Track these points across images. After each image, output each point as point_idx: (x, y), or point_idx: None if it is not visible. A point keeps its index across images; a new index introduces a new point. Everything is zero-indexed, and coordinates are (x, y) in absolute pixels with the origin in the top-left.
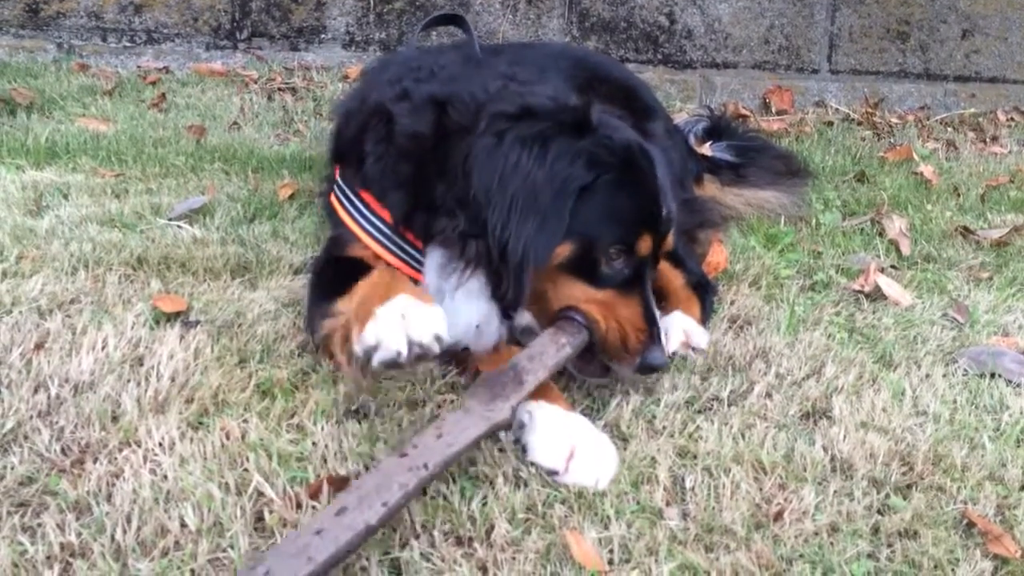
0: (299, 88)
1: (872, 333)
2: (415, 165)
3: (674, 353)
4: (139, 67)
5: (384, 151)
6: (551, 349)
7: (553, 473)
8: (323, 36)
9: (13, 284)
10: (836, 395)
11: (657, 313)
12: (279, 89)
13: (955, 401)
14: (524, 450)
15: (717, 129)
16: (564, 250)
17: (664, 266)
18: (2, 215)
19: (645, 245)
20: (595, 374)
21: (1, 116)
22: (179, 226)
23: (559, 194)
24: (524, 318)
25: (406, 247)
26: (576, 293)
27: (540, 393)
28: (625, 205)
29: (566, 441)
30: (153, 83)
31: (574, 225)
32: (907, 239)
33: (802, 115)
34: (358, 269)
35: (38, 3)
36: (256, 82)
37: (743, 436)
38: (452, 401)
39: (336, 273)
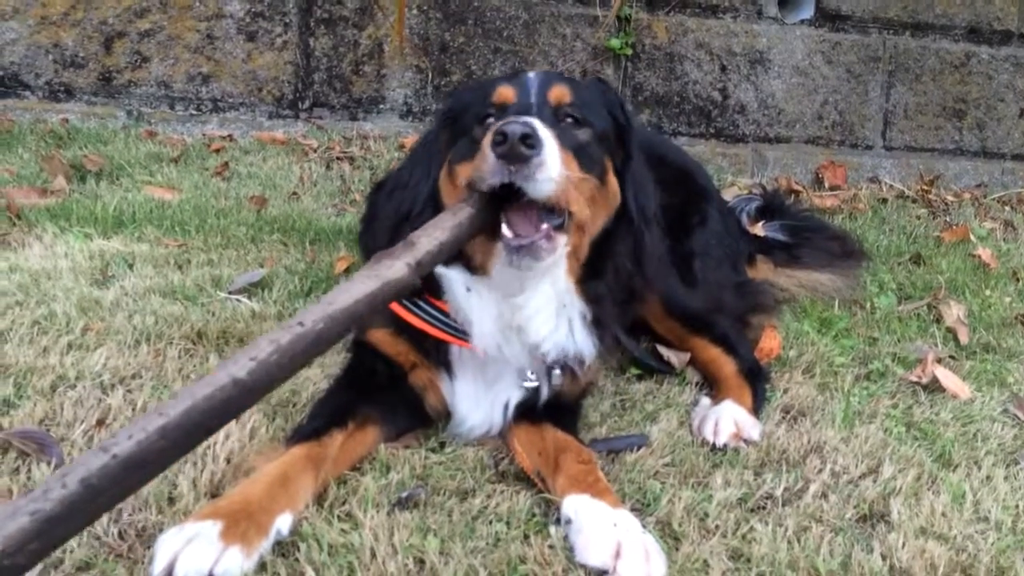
0: (356, 157)
1: (930, 429)
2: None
3: (725, 445)
4: (204, 134)
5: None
6: (447, 215)
7: (602, 573)
8: (381, 107)
9: (78, 357)
10: (894, 497)
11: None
12: (337, 158)
13: (1018, 507)
14: (571, 549)
15: (770, 208)
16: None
17: (715, 352)
18: (70, 285)
19: (503, 93)
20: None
21: (72, 182)
22: (238, 300)
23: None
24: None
25: (428, 308)
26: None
27: (586, 487)
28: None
29: (613, 539)
30: (217, 151)
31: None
32: (965, 327)
33: (855, 191)
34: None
35: (111, 72)
36: (315, 151)
37: (798, 540)
38: (503, 491)
39: (347, 378)
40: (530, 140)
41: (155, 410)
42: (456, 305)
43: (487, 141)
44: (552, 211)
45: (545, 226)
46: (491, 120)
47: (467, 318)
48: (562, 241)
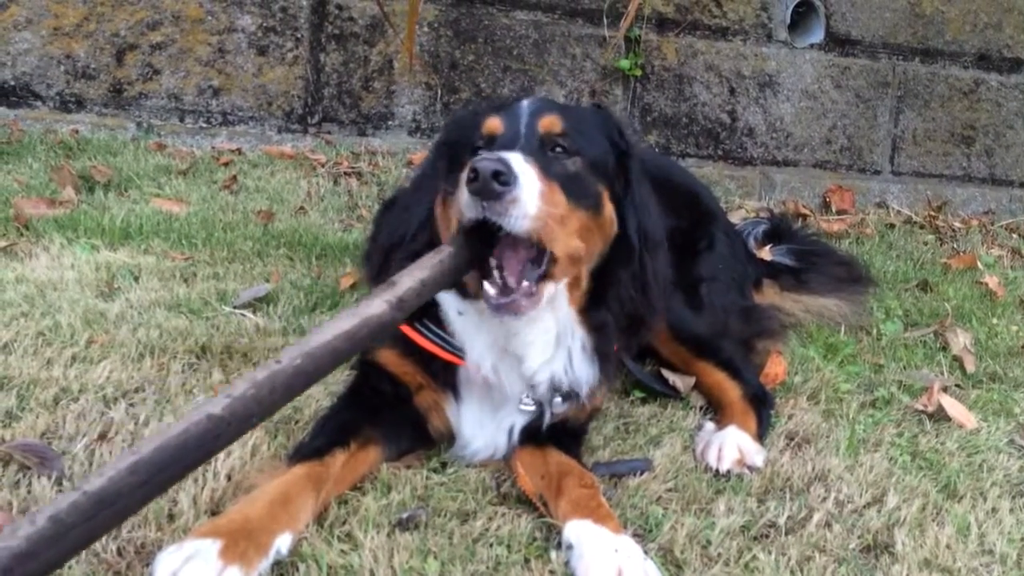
0: (364, 173)
1: (936, 458)
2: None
3: (728, 471)
4: (213, 147)
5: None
6: (429, 255)
7: None
8: (390, 123)
9: (81, 369)
10: (898, 528)
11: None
12: (345, 173)
13: (1023, 540)
14: (572, 575)
15: (777, 232)
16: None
17: (720, 377)
18: (76, 297)
19: (491, 124)
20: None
21: (80, 193)
22: (243, 314)
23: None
24: None
25: (436, 330)
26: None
27: (588, 512)
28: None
29: (614, 565)
30: (225, 164)
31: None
32: (971, 356)
33: (863, 216)
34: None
35: (122, 84)
36: (323, 166)
37: (801, 570)
38: (504, 514)
39: (350, 396)
40: (503, 177)
41: (129, 449)
42: (451, 328)
43: (463, 178)
44: (538, 248)
45: (525, 283)
46: (480, 152)
47: (461, 341)
48: (547, 291)
